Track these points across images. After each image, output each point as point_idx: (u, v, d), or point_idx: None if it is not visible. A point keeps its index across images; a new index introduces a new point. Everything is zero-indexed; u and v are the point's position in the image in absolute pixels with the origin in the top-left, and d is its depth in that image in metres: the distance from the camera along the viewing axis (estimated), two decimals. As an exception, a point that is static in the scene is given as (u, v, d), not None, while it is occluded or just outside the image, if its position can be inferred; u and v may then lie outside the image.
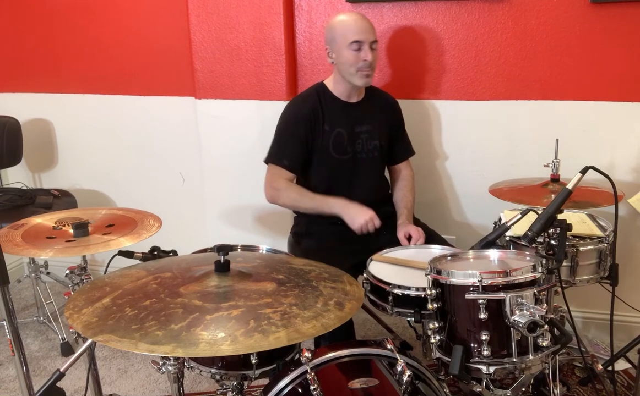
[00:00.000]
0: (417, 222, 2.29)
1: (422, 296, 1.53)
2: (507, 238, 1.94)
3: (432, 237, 2.13)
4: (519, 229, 1.70)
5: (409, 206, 2.24)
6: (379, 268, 1.80)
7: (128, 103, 2.96)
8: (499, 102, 2.44)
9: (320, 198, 2.13)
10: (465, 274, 1.34)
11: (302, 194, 2.16)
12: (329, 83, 2.23)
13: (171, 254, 1.73)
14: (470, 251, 1.55)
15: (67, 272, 1.70)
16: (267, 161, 2.22)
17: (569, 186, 1.47)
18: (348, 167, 2.20)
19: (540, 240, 1.50)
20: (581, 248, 1.85)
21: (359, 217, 2.03)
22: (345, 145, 2.18)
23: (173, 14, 2.75)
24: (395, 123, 2.33)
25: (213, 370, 1.56)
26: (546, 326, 1.29)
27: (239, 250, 1.95)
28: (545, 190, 1.99)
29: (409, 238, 2.07)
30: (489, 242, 1.55)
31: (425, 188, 2.59)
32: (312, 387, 1.25)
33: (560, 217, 1.48)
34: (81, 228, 1.66)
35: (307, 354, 1.35)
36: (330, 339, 1.51)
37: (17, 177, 3.20)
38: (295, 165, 2.18)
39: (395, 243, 2.03)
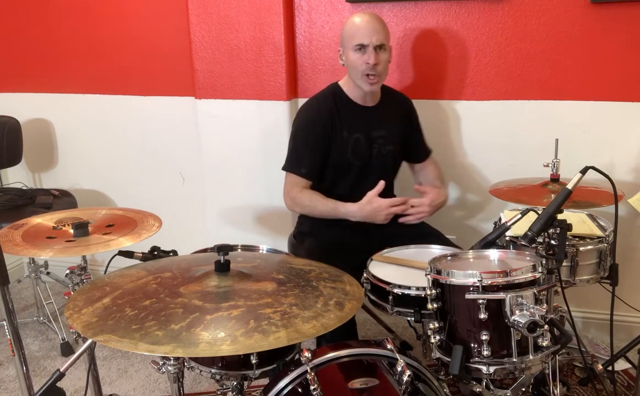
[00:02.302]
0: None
1: (422, 296, 1.53)
2: (507, 238, 1.94)
3: (435, 237, 2.13)
4: (519, 229, 1.70)
5: (440, 179, 2.32)
6: (379, 268, 1.80)
7: (128, 103, 2.96)
8: (499, 102, 2.44)
9: (333, 203, 2.09)
10: (465, 274, 1.34)
11: (314, 200, 2.12)
12: (344, 85, 2.20)
13: (171, 254, 1.73)
14: (470, 251, 1.55)
15: (67, 272, 1.70)
16: (285, 169, 2.19)
17: (569, 186, 1.47)
18: (363, 172, 2.18)
19: (540, 240, 1.50)
20: (581, 248, 1.85)
21: (378, 216, 2.01)
22: (363, 150, 2.16)
23: (173, 14, 2.75)
24: (413, 123, 2.31)
25: (213, 370, 1.55)
26: (546, 326, 1.29)
27: (239, 250, 1.95)
28: (545, 190, 1.99)
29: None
30: (489, 242, 1.55)
31: (425, 188, 2.59)
32: (312, 387, 1.25)
33: (560, 217, 1.48)
34: (81, 228, 1.66)
35: (307, 354, 1.35)
36: (331, 339, 1.51)
37: (17, 177, 3.20)
38: (314, 173, 2.15)
39: (399, 241, 2.03)
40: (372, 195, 2.01)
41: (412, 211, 2.07)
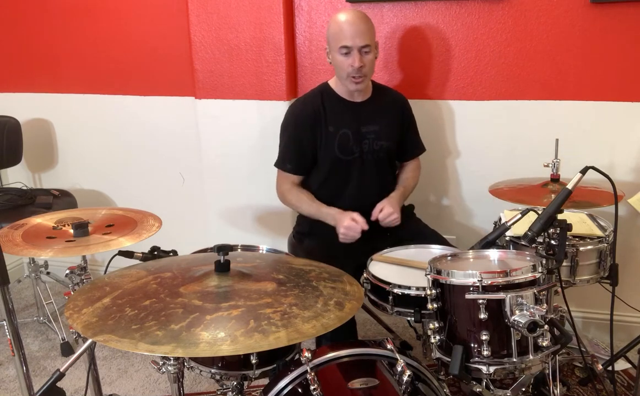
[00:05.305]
0: (418, 222, 2.30)
1: (422, 296, 1.53)
2: (507, 238, 1.94)
3: (433, 238, 2.13)
4: (519, 229, 1.70)
5: (406, 186, 2.26)
6: (379, 267, 1.80)
7: (128, 103, 2.96)
8: (499, 102, 2.44)
9: (317, 206, 2.14)
10: (465, 274, 1.34)
11: (300, 200, 2.19)
12: (333, 83, 2.21)
13: (171, 254, 1.73)
14: (470, 251, 1.55)
15: (67, 272, 1.69)
16: (275, 165, 2.26)
17: (569, 186, 1.47)
18: (355, 167, 2.17)
19: (540, 240, 1.50)
20: (581, 248, 1.85)
21: (348, 233, 2.01)
22: (351, 145, 2.15)
23: (173, 14, 2.75)
24: (405, 121, 2.29)
25: (213, 370, 1.56)
26: (546, 326, 1.29)
27: (239, 250, 1.95)
28: (545, 190, 1.99)
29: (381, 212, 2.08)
30: (489, 242, 1.56)
31: (425, 188, 2.59)
32: (312, 387, 1.26)
33: (560, 217, 1.48)
34: (81, 228, 1.66)
35: (307, 354, 1.36)
36: (331, 339, 1.51)
37: (17, 177, 3.20)
38: (298, 168, 2.21)
39: (399, 241, 2.02)
40: (359, 218, 2.00)
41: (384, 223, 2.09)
